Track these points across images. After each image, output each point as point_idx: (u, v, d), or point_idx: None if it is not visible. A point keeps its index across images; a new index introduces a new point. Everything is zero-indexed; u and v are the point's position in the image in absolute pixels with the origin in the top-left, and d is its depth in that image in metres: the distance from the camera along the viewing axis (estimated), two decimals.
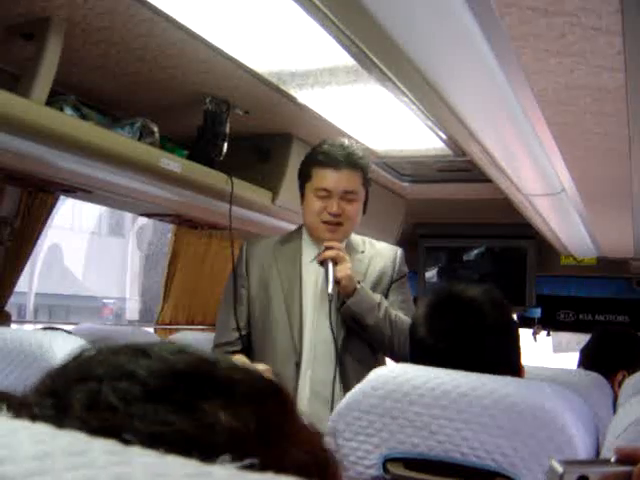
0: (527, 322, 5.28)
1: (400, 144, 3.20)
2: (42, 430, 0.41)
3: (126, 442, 0.40)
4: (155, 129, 2.54)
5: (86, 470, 0.37)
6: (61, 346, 1.66)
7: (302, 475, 0.47)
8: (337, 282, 2.38)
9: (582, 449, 1.26)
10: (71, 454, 0.38)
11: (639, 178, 2.58)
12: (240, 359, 2.23)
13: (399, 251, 2.60)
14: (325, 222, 2.46)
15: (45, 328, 2.78)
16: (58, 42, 2.04)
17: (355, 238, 2.59)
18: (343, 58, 2.11)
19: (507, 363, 1.54)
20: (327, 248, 2.41)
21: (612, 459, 0.80)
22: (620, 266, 5.11)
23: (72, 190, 2.66)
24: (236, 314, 2.50)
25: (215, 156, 2.72)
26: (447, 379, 1.36)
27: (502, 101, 1.87)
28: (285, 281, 2.49)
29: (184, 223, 3.52)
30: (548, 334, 5.71)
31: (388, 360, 2.57)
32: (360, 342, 2.46)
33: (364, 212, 2.58)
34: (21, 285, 3.21)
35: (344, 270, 2.37)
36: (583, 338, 3.22)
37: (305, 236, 2.57)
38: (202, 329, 4.20)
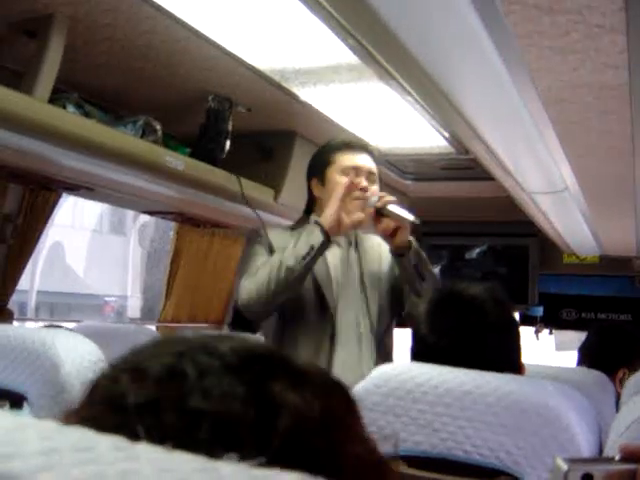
0: (529, 320, 5.28)
1: (403, 142, 3.20)
2: (48, 426, 0.41)
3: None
4: (158, 127, 2.54)
5: (93, 466, 0.37)
6: (64, 344, 1.66)
7: (357, 470, 0.51)
8: (393, 233, 2.42)
9: (585, 447, 1.26)
10: (78, 450, 0.38)
11: None
12: None
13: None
14: (355, 198, 2.42)
15: (47, 326, 2.78)
16: (61, 40, 2.04)
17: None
18: (346, 56, 2.11)
19: (508, 361, 1.54)
20: (382, 197, 2.44)
21: (617, 457, 0.80)
22: (623, 264, 5.10)
23: (75, 188, 2.67)
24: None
25: (218, 154, 2.72)
26: (450, 377, 1.36)
27: (506, 99, 1.87)
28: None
29: (186, 221, 3.52)
30: (550, 332, 5.71)
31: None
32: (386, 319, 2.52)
33: None
34: (22, 283, 3.21)
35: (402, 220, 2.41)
36: (585, 336, 3.22)
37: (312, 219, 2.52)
38: (205, 327, 4.20)
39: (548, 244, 4.83)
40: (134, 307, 19.77)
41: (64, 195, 3.15)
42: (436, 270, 5.28)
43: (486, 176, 3.22)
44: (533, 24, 1.33)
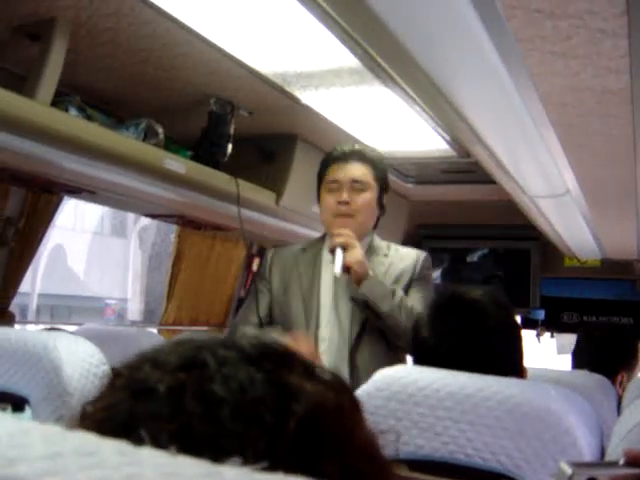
0: (531, 324, 5.28)
1: (404, 145, 3.20)
2: (52, 431, 0.41)
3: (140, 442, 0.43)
4: (160, 130, 2.54)
5: (98, 470, 0.37)
6: (66, 347, 1.66)
7: (362, 461, 0.53)
8: (347, 270, 2.37)
9: (587, 451, 1.26)
10: (82, 454, 0.38)
11: None
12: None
13: (423, 255, 2.58)
14: (337, 215, 2.46)
15: (48, 329, 2.79)
16: (63, 43, 2.05)
17: (379, 242, 2.59)
18: (348, 59, 2.11)
19: (510, 364, 1.54)
20: (337, 235, 2.41)
21: (620, 461, 0.80)
22: (624, 268, 5.10)
23: (76, 191, 2.67)
24: (258, 310, 2.52)
25: (219, 157, 2.73)
26: (452, 380, 1.37)
27: (507, 103, 1.87)
28: (305, 282, 2.51)
29: (188, 224, 3.52)
30: (552, 336, 5.71)
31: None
32: (375, 338, 2.45)
33: (381, 214, 2.59)
34: (23, 286, 3.21)
35: (354, 255, 2.36)
36: (576, 340, 3.21)
37: (327, 240, 2.57)
38: (206, 330, 4.21)
39: (549, 247, 4.83)
40: (134, 310, 19.77)
41: (65, 198, 3.15)
42: (436, 274, 5.31)
43: (487, 179, 3.22)
44: (535, 29, 1.34)
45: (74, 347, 1.68)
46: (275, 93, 2.52)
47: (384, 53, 1.85)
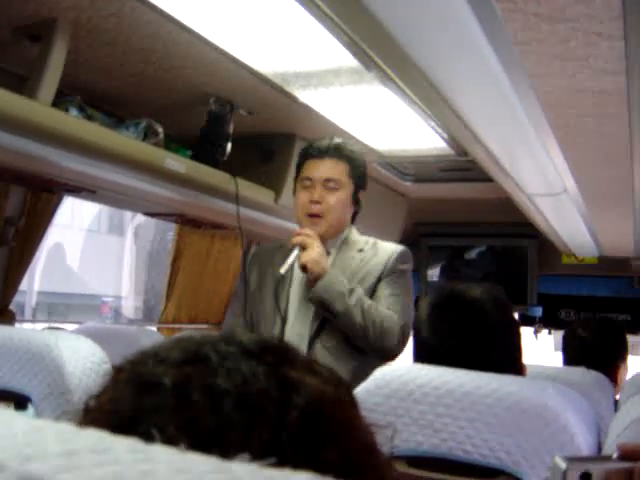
0: (528, 321, 5.29)
1: (403, 144, 3.21)
2: (66, 428, 0.42)
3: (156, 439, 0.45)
4: (160, 129, 2.55)
5: (112, 467, 0.38)
6: (67, 345, 1.67)
7: (362, 450, 0.55)
8: (304, 268, 2.37)
9: (584, 447, 1.27)
10: (96, 452, 0.40)
11: None
12: None
13: (398, 249, 2.53)
14: (308, 214, 2.46)
15: (49, 328, 2.80)
16: (64, 44, 2.05)
17: (357, 237, 2.55)
18: (347, 59, 2.12)
19: (509, 362, 1.54)
20: (296, 235, 2.42)
21: (614, 455, 0.82)
22: (621, 265, 5.12)
23: (77, 190, 2.67)
24: (243, 311, 2.57)
25: (219, 156, 2.74)
26: (451, 378, 1.38)
27: (505, 103, 1.88)
28: (278, 280, 2.48)
29: (187, 222, 3.53)
30: (549, 333, 5.72)
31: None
32: (333, 337, 2.42)
33: (357, 210, 2.57)
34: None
35: (309, 254, 2.35)
36: (564, 336, 3.21)
37: None
38: (205, 328, 4.21)
39: (547, 245, 4.85)
40: (128, 307, 19.74)
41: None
42: (434, 272, 5.32)
43: (485, 178, 3.23)
44: (533, 31, 1.35)
45: (76, 345, 1.69)
46: (274, 93, 2.53)
47: (383, 53, 1.86)
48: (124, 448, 0.40)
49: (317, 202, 2.45)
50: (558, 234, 4.14)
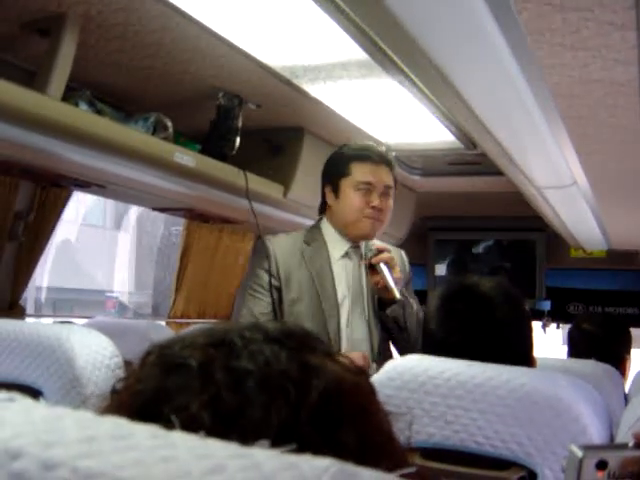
0: (537, 315, 5.26)
1: (411, 137, 3.21)
2: (86, 416, 0.43)
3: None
4: (169, 124, 2.55)
5: (132, 453, 0.38)
6: (79, 339, 1.67)
7: (378, 434, 0.57)
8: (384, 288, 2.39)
9: (596, 438, 1.27)
10: (116, 438, 0.40)
11: None
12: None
13: (403, 253, 2.63)
14: (367, 217, 2.45)
15: (60, 322, 2.80)
16: (73, 38, 2.06)
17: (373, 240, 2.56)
18: (355, 52, 2.12)
19: (519, 355, 1.53)
20: (380, 251, 2.43)
21: (630, 444, 0.82)
22: (630, 258, 5.10)
23: (86, 185, 2.68)
24: (272, 304, 2.48)
25: (228, 150, 2.74)
26: (463, 369, 1.38)
27: (516, 94, 1.87)
28: (316, 278, 2.47)
29: (196, 217, 3.53)
30: (558, 327, 5.70)
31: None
32: (387, 341, 2.49)
33: None
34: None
35: (399, 274, 2.41)
36: (570, 330, 3.21)
37: (328, 232, 2.55)
38: (214, 322, 4.21)
39: (555, 239, 4.83)
40: (133, 302, 19.75)
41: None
42: (442, 266, 5.31)
43: (493, 171, 3.22)
44: (545, 21, 1.34)
45: (87, 339, 1.69)
46: (283, 86, 2.53)
47: (392, 45, 1.85)
48: (144, 434, 0.40)
49: (380, 209, 2.46)
50: (567, 227, 4.13)
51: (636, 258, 5.07)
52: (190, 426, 0.46)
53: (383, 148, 2.54)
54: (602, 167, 2.73)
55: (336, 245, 2.53)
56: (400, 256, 2.58)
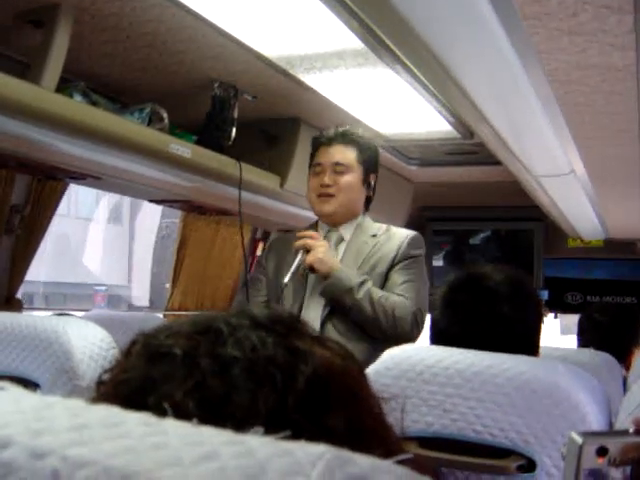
0: None
1: (408, 127, 3.20)
2: (76, 404, 0.42)
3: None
4: (164, 114, 2.54)
5: (123, 440, 0.38)
6: (75, 331, 1.67)
7: (368, 418, 0.56)
8: (311, 268, 2.44)
9: (596, 427, 1.26)
10: (107, 426, 0.39)
11: None
12: None
13: (411, 235, 2.57)
14: (319, 196, 2.54)
15: (58, 314, 2.80)
16: (67, 29, 2.05)
17: (370, 224, 2.60)
18: (351, 41, 2.11)
19: (521, 347, 1.51)
20: (298, 238, 2.48)
21: (630, 430, 0.81)
22: (627, 247, 5.11)
23: (82, 177, 2.67)
24: (259, 296, 2.60)
25: (224, 141, 2.73)
26: (461, 358, 1.37)
27: (513, 81, 1.86)
28: (286, 265, 2.51)
29: (192, 209, 3.52)
30: (556, 316, 5.71)
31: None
32: (345, 319, 2.46)
33: (371, 196, 2.62)
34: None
35: (314, 255, 2.42)
36: (580, 320, 3.22)
37: (320, 225, 2.63)
38: None
39: (553, 228, 4.84)
40: (129, 296, 19.68)
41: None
42: (439, 256, 5.31)
43: (491, 160, 3.22)
44: (541, 5, 1.33)
45: (84, 331, 1.69)
46: (279, 76, 2.52)
47: (388, 33, 1.84)
48: (135, 422, 0.39)
49: (327, 185, 2.52)
50: (565, 216, 4.13)
51: (634, 247, 5.07)
52: (176, 414, 0.45)
53: (346, 127, 2.59)
54: (599, 155, 2.72)
55: (321, 230, 2.60)
56: (403, 237, 2.54)
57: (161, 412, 0.48)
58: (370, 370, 1.44)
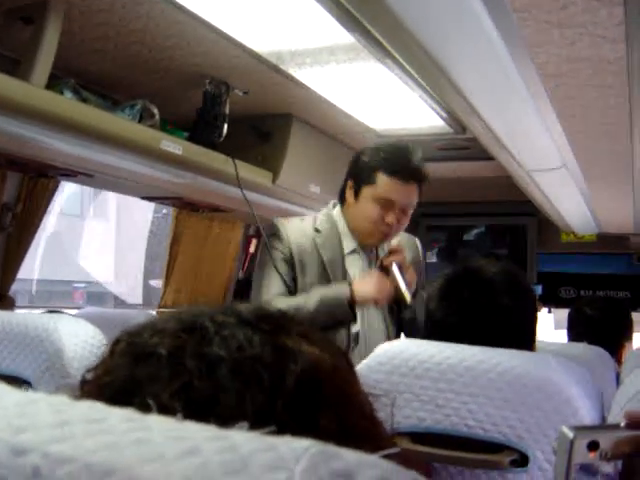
0: None
1: (400, 122, 3.20)
2: (59, 400, 0.42)
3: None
4: (155, 111, 2.54)
5: (106, 436, 0.37)
6: (67, 329, 1.66)
7: (359, 417, 0.55)
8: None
9: (588, 421, 1.26)
10: (89, 422, 0.39)
11: None
12: None
13: (417, 241, 2.62)
14: (379, 231, 2.45)
15: (49, 311, 2.79)
16: (57, 25, 2.03)
17: None
18: (342, 36, 2.10)
19: (517, 340, 1.51)
20: (391, 252, 2.43)
21: (622, 424, 0.81)
22: (620, 242, 5.11)
23: (73, 174, 2.66)
24: (282, 282, 2.45)
25: (215, 138, 2.72)
26: (453, 353, 1.37)
27: (504, 75, 1.86)
28: (329, 270, 2.47)
29: (185, 206, 3.52)
30: (549, 311, 5.72)
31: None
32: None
33: None
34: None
35: (412, 275, 2.40)
36: (570, 314, 3.22)
37: (341, 224, 2.55)
38: None
39: (546, 223, 4.84)
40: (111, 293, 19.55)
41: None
42: (432, 252, 5.30)
43: (483, 156, 3.21)
44: None
45: (75, 329, 1.68)
46: (270, 72, 2.51)
47: (379, 28, 1.83)
48: (118, 418, 0.39)
49: (390, 226, 2.43)
50: (557, 211, 4.13)
51: (626, 242, 5.08)
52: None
53: (418, 156, 2.45)
54: (590, 149, 2.72)
55: (346, 239, 2.53)
56: (414, 244, 2.58)
57: (147, 412, 0.47)
58: (362, 365, 1.44)
